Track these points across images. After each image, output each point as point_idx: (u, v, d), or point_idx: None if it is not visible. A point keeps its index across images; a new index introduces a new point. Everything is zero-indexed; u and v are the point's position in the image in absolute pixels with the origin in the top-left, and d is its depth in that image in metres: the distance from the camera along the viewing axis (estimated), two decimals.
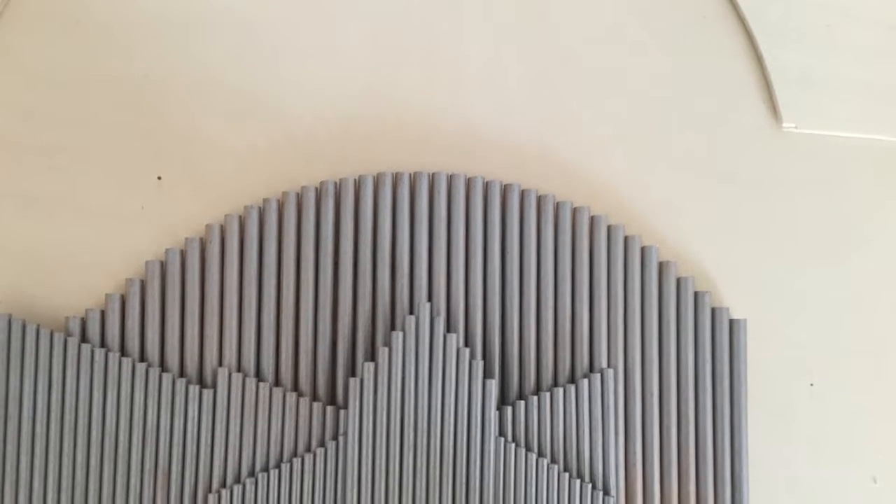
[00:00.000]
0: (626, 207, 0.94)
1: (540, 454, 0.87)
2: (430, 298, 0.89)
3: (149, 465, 0.86)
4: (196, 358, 0.88)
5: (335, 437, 0.86)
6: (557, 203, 0.91)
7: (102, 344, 0.87)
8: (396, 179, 0.90)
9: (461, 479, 0.85)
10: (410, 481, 0.85)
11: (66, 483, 0.85)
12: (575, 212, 0.91)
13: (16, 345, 0.86)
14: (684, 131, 0.96)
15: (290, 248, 0.89)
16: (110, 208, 0.92)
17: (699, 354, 0.91)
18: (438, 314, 0.88)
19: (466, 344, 0.89)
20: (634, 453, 0.89)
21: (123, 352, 0.87)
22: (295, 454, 0.86)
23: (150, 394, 0.86)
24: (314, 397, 0.88)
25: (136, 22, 0.94)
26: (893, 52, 0.98)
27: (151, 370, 0.86)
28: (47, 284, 0.90)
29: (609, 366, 0.89)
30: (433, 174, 0.90)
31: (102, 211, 0.92)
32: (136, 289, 0.88)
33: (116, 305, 0.88)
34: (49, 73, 0.93)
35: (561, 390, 0.87)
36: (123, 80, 0.93)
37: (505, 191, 0.91)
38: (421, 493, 0.85)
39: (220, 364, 0.88)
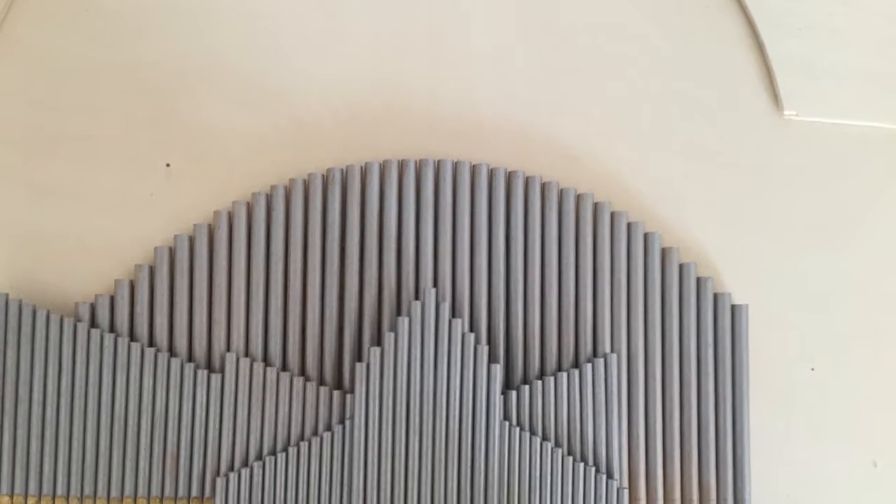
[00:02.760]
0: (630, 194, 0.93)
1: (544, 438, 0.85)
2: (435, 284, 0.87)
3: (157, 448, 0.84)
4: (204, 343, 0.86)
5: (342, 421, 0.84)
6: (561, 190, 0.89)
7: (112, 329, 0.86)
8: (402, 166, 0.88)
9: (466, 462, 0.83)
10: (416, 464, 0.83)
11: (75, 466, 0.83)
12: (579, 198, 0.89)
13: (26, 330, 0.84)
14: (687, 119, 0.94)
15: (297, 235, 0.87)
16: (119, 195, 0.90)
17: (701, 339, 0.89)
18: (444, 300, 0.86)
19: (471, 329, 0.87)
20: (637, 437, 0.87)
21: (132, 337, 0.86)
22: (302, 438, 0.84)
23: (158, 378, 0.84)
24: (321, 382, 0.86)
25: (144, 11, 0.92)
26: (894, 42, 0.96)
27: (160, 355, 0.84)
28: (57, 270, 0.89)
29: (612, 351, 0.87)
30: (438, 161, 0.88)
31: (111, 198, 0.90)
32: (145, 274, 0.86)
33: (125, 291, 0.86)
34: (59, 63, 0.91)
35: (565, 375, 0.85)
36: (132, 68, 0.91)
37: (509, 178, 0.89)
38: (426, 476, 0.83)
39: (229, 349, 0.86)
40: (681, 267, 0.89)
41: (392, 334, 0.84)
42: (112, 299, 0.86)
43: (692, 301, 0.89)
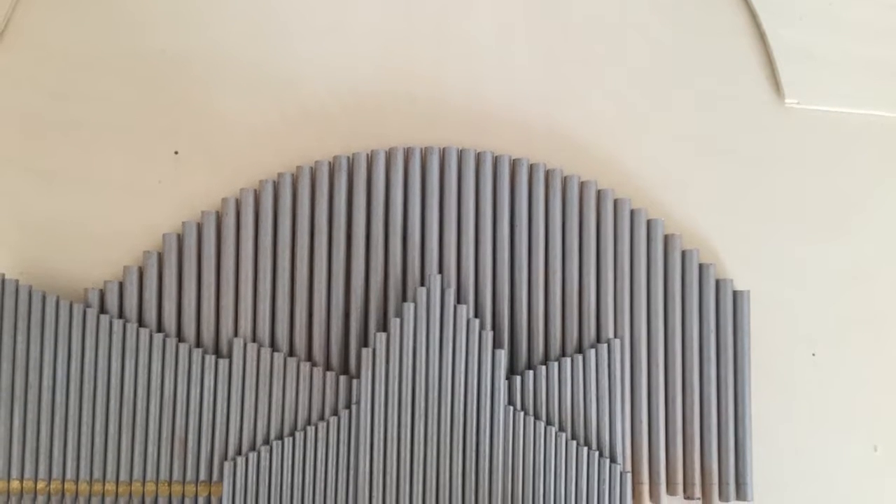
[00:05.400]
0: (632, 182, 0.91)
1: (548, 423, 0.83)
2: (440, 270, 0.85)
3: (166, 433, 0.82)
4: (212, 328, 0.84)
5: (348, 406, 0.82)
6: (565, 177, 0.87)
7: (121, 315, 0.84)
8: (408, 154, 0.86)
9: (471, 447, 0.81)
10: (421, 449, 0.81)
11: (84, 451, 0.81)
12: (582, 186, 0.87)
13: (36, 315, 0.82)
14: (689, 107, 0.93)
15: (303, 222, 0.85)
16: (128, 182, 0.88)
17: (704, 325, 0.87)
18: (449, 286, 0.84)
19: (476, 315, 0.85)
20: (641, 421, 0.85)
21: (141, 322, 0.84)
22: (308, 422, 0.82)
23: (167, 363, 0.82)
24: (327, 367, 0.84)
25: (153, 0, 0.90)
26: (894, 30, 0.94)
27: (168, 340, 0.82)
28: (67, 257, 0.87)
29: (616, 336, 0.86)
30: (443, 149, 0.87)
31: (120, 185, 0.88)
32: (154, 261, 0.84)
33: (134, 277, 0.84)
34: (67, 50, 0.89)
35: (569, 360, 0.83)
36: (140, 56, 0.90)
37: (514, 165, 0.87)
38: (432, 461, 0.81)
39: (236, 334, 0.84)
40: (683, 253, 0.87)
41: (398, 320, 0.82)
42: (121, 285, 0.84)
43: (694, 287, 0.87)
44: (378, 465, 0.81)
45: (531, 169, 0.87)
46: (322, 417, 0.82)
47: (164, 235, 0.85)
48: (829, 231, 0.92)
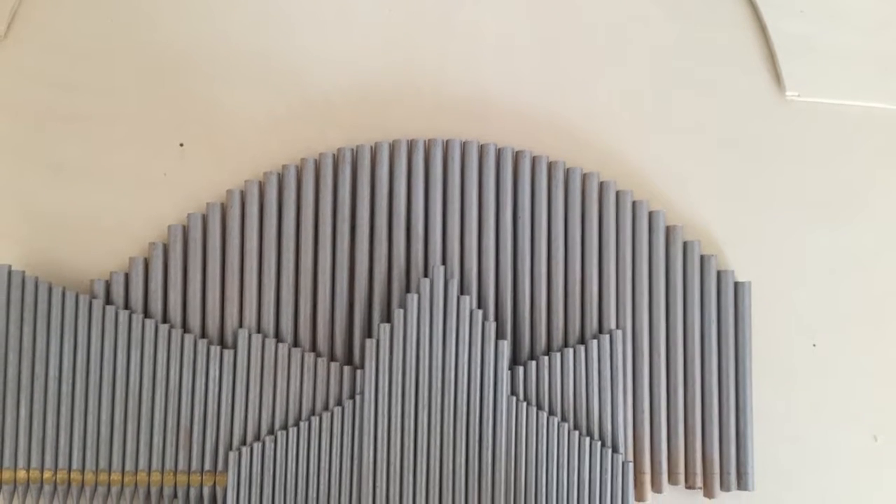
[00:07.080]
0: (634, 174, 0.90)
1: (550, 413, 0.82)
2: (444, 262, 0.84)
3: (171, 423, 0.81)
4: (217, 319, 0.83)
5: (352, 396, 0.81)
6: (567, 169, 0.87)
7: (126, 306, 0.83)
8: (411, 146, 0.86)
9: (474, 437, 0.80)
10: (425, 439, 0.80)
11: (90, 440, 0.81)
12: (584, 177, 0.87)
13: (42, 306, 0.81)
14: (690, 100, 0.92)
15: (308, 213, 0.84)
16: (134, 174, 0.88)
17: (705, 316, 0.86)
18: (452, 277, 0.83)
19: (479, 306, 0.84)
20: (642, 412, 0.84)
21: (147, 313, 0.83)
22: (313, 413, 0.81)
23: (172, 354, 0.82)
24: (332, 358, 0.84)
25: None
26: (894, 23, 0.93)
27: (174, 331, 0.82)
28: (73, 248, 0.86)
29: (618, 327, 0.85)
30: (447, 141, 0.86)
31: (126, 177, 0.88)
32: (159, 252, 0.84)
33: (140, 268, 0.83)
34: (73, 44, 0.89)
35: (571, 351, 0.83)
36: (147, 49, 0.89)
37: (517, 157, 0.86)
38: (435, 451, 0.80)
39: (241, 325, 0.83)
40: (685, 245, 0.87)
41: (401, 311, 0.81)
42: (127, 277, 0.83)
43: (696, 278, 0.86)
44: (381, 455, 0.80)
45: (534, 161, 0.86)
46: (326, 408, 0.81)
47: (169, 227, 0.84)
48: (829, 222, 0.91)
